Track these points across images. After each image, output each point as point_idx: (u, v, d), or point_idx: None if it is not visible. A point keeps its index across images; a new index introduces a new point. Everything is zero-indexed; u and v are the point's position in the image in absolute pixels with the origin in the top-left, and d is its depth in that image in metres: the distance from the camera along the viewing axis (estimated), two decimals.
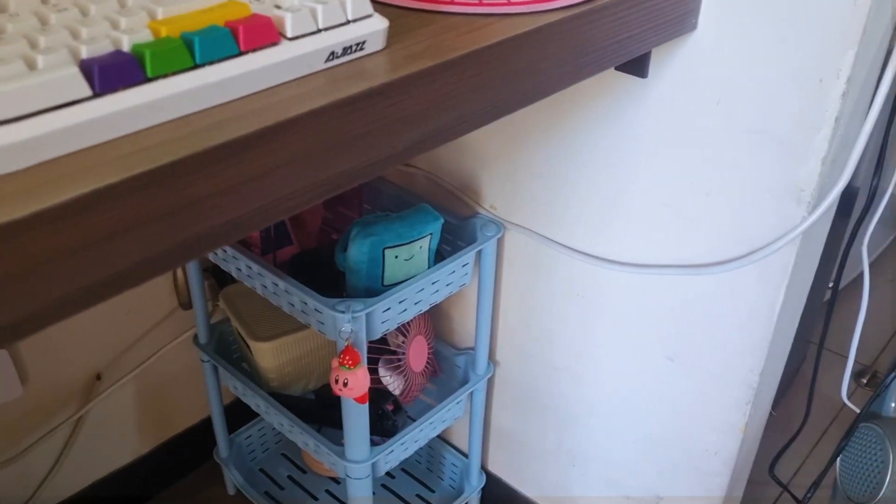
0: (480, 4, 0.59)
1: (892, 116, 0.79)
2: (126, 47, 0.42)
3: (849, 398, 1.01)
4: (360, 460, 0.96)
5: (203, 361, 1.16)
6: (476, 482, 1.22)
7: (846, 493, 0.86)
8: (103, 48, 0.41)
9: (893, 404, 0.85)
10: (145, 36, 0.42)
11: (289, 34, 0.46)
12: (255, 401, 1.09)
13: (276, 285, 0.92)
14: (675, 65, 0.77)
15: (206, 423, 1.31)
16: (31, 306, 0.36)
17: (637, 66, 0.79)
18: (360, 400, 0.88)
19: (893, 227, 1.97)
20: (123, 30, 0.43)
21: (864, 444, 0.84)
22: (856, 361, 1.68)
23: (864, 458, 0.83)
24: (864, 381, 1.56)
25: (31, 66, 0.39)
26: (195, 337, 1.15)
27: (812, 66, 0.68)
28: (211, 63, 0.43)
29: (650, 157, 0.83)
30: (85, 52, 0.40)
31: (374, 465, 0.98)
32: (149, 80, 0.41)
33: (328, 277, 0.97)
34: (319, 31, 0.48)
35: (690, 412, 0.93)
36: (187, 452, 1.33)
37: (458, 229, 1.02)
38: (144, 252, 0.40)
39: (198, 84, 0.42)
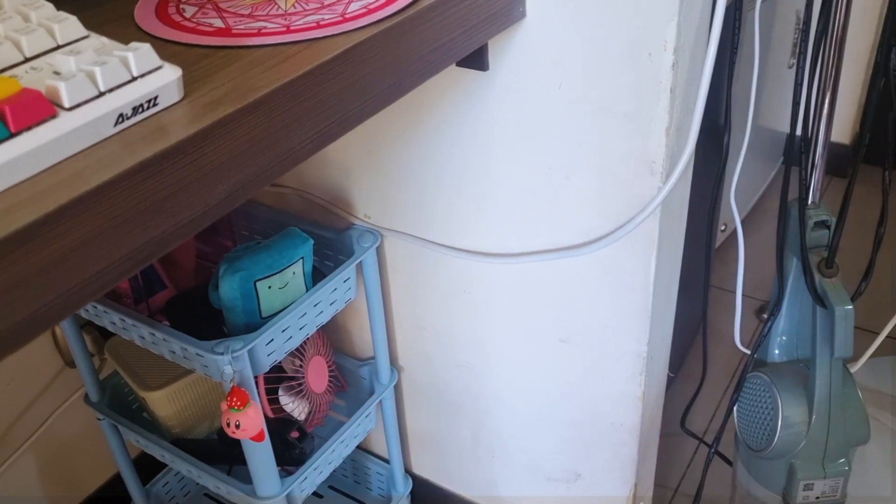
0: (288, 32, 0.57)
1: (731, 73, 0.80)
2: None
3: (749, 340, 1.04)
4: (271, 495, 0.94)
5: (99, 419, 1.11)
6: (402, 487, 1.22)
7: (746, 443, 0.88)
8: None
9: (777, 350, 0.88)
10: None
11: (66, 104, 0.43)
12: (158, 452, 1.05)
13: (153, 335, 0.88)
14: (512, 54, 0.76)
15: (117, 480, 1.26)
16: None
17: (476, 61, 0.78)
18: (256, 439, 0.85)
19: (772, 162, 2.03)
20: None
21: (754, 392, 0.86)
22: (755, 299, 1.73)
23: (756, 407, 0.85)
24: (766, 315, 1.61)
25: None
26: (86, 396, 1.10)
27: (639, 40, 0.69)
28: None
29: (506, 147, 0.82)
30: None
31: (289, 497, 0.96)
32: None
33: (208, 317, 0.93)
34: (102, 93, 0.45)
35: (590, 390, 0.93)
36: None
37: (337, 243, 1.00)
38: None
39: None
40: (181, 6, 0.62)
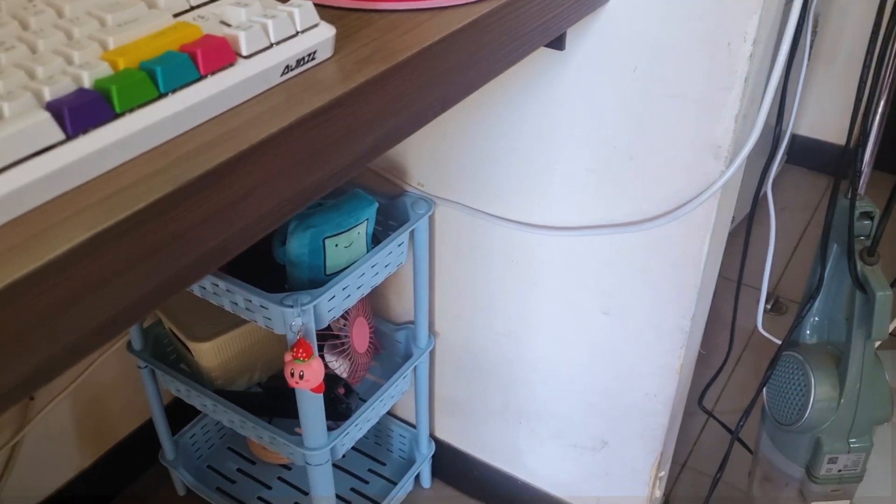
0: (414, 0, 0.60)
1: (788, 70, 0.84)
2: (87, 84, 0.41)
3: (762, 328, 1.10)
4: (318, 447, 0.98)
5: (140, 368, 1.14)
6: (426, 450, 1.26)
7: (775, 418, 0.93)
8: (65, 87, 0.40)
9: (808, 331, 0.93)
10: (104, 70, 0.42)
11: (244, 52, 0.46)
12: (200, 401, 1.08)
13: (217, 286, 0.91)
14: (591, 36, 0.80)
15: (147, 427, 1.29)
16: (24, 369, 0.36)
17: (555, 40, 0.81)
18: (316, 390, 0.89)
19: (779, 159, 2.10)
20: (79, 65, 0.42)
21: (786, 371, 0.91)
22: (759, 289, 1.80)
23: (789, 384, 0.91)
24: (769, 306, 1.68)
25: None
26: (129, 343, 1.13)
27: (720, 31, 0.73)
28: (174, 91, 0.43)
29: (573, 125, 0.86)
30: (48, 94, 0.40)
31: (332, 450, 1.00)
32: (118, 115, 0.41)
33: (264, 271, 0.96)
34: (272, 45, 0.48)
35: (629, 361, 0.98)
36: (131, 459, 1.31)
37: (388, 209, 1.03)
38: (134, 293, 0.40)
39: (166, 114, 0.42)
40: None
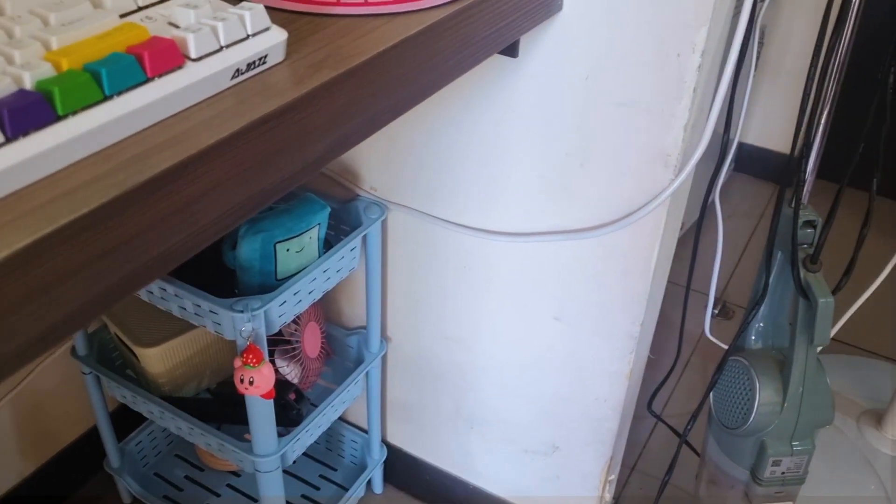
0: (367, 4, 0.60)
1: (735, 81, 0.86)
2: (29, 85, 0.40)
3: (709, 333, 1.12)
4: (269, 454, 0.96)
5: (84, 374, 1.11)
6: (378, 455, 1.25)
7: (721, 422, 0.95)
8: (5, 88, 0.39)
9: (753, 337, 0.95)
10: (47, 70, 0.41)
11: (193, 55, 0.46)
12: (147, 408, 1.06)
13: (165, 290, 0.89)
14: (544, 44, 0.80)
15: (92, 434, 1.26)
16: None
17: (509, 48, 0.82)
18: (266, 396, 0.88)
19: (728, 168, 2.14)
20: (20, 65, 0.41)
21: (732, 375, 0.93)
22: (707, 294, 1.83)
23: (734, 389, 0.92)
24: (716, 311, 1.71)
25: None
26: (73, 349, 1.10)
27: (670, 41, 0.74)
28: (120, 93, 0.42)
29: (526, 131, 0.87)
30: None
31: (282, 457, 0.98)
32: (60, 118, 0.40)
33: (214, 275, 0.95)
34: (222, 48, 0.47)
35: (579, 366, 0.99)
36: (75, 466, 1.28)
37: (341, 214, 1.03)
38: (78, 300, 0.39)
39: (111, 117, 0.41)
40: None
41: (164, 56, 0.44)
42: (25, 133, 0.38)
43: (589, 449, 1.06)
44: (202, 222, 0.44)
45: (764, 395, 0.90)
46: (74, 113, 0.40)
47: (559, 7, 0.77)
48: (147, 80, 0.43)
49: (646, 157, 0.81)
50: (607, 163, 0.84)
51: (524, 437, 1.11)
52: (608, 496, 1.11)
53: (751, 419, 0.90)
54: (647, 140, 0.80)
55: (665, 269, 0.95)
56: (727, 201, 2.11)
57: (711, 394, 0.97)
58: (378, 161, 1.00)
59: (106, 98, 0.41)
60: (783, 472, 0.92)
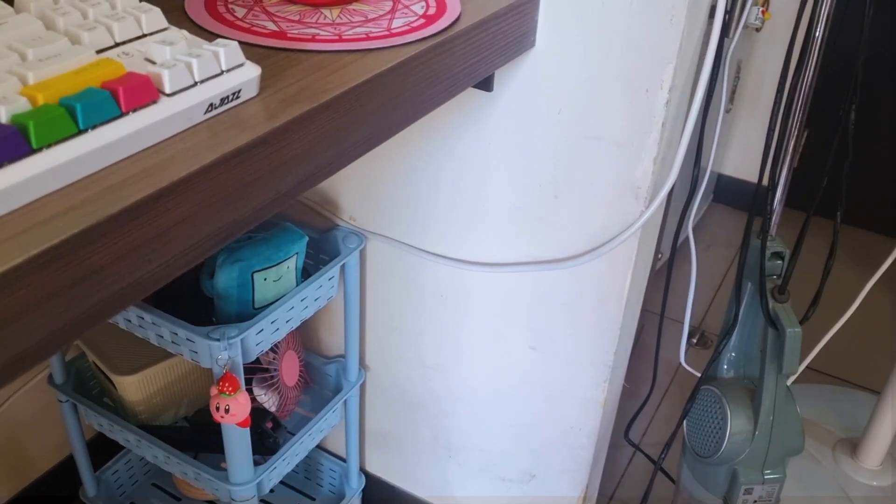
0: (340, 40, 0.61)
1: (704, 115, 0.88)
2: (4, 118, 0.41)
3: (684, 362, 1.13)
4: (244, 482, 0.96)
5: (61, 402, 1.11)
6: (356, 484, 1.25)
7: (694, 450, 0.96)
8: None
9: (725, 366, 0.97)
10: (22, 105, 0.42)
11: (167, 90, 0.47)
12: (123, 436, 1.06)
13: (142, 318, 0.90)
14: (518, 79, 0.82)
15: (68, 463, 1.25)
16: None
17: (483, 82, 0.84)
18: (242, 424, 0.88)
19: (705, 200, 2.18)
20: None
21: (705, 404, 0.94)
22: (677, 321, 1.85)
23: (707, 418, 0.94)
24: (694, 340, 1.73)
25: None
26: (50, 377, 1.10)
27: (638, 78, 0.76)
28: (94, 127, 0.43)
29: (501, 163, 0.89)
30: None
31: (258, 485, 0.98)
32: (34, 151, 0.41)
33: (191, 303, 0.96)
34: (196, 84, 0.49)
35: (555, 395, 1.00)
36: (50, 496, 1.27)
37: (320, 243, 1.04)
38: (49, 327, 0.40)
39: (84, 150, 0.42)
40: (230, 6, 0.66)
41: (138, 91, 0.45)
42: (0, 165, 0.39)
43: (565, 477, 1.06)
44: (174, 252, 0.45)
45: (735, 423, 0.91)
46: (49, 146, 0.41)
47: (532, 43, 0.79)
48: (121, 115, 0.44)
49: (617, 189, 0.83)
50: (580, 194, 0.85)
51: (501, 464, 1.11)
52: None
53: (723, 447, 0.91)
54: (618, 172, 0.82)
55: (638, 299, 0.96)
56: (706, 231, 2.14)
57: (685, 422, 0.98)
58: (357, 191, 1.01)
59: (80, 132, 0.43)
60: (755, 501, 0.93)
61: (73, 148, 0.42)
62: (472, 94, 0.86)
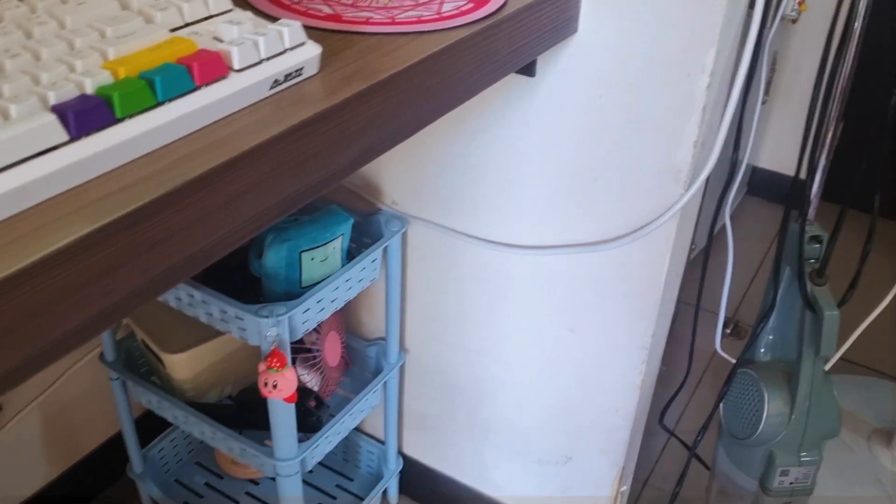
0: (393, 23, 0.64)
1: (746, 98, 0.89)
2: (90, 90, 0.44)
3: (720, 349, 1.14)
4: (289, 458, 0.99)
5: (112, 379, 1.15)
6: (394, 466, 1.28)
7: (730, 433, 0.97)
8: (69, 92, 0.43)
9: (762, 349, 0.98)
10: (105, 78, 0.45)
11: (236, 66, 0.49)
12: (172, 413, 1.09)
13: (192, 296, 0.93)
14: (560, 64, 0.84)
15: (116, 440, 1.30)
16: (14, 360, 0.38)
17: (526, 67, 0.85)
18: (289, 400, 0.91)
19: (738, 192, 2.17)
20: (81, 72, 0.45)
21: (742, 387, 0.96)
22: (717, 313, 1.86)
23: (743, 400, 0.95)
24: (728, 331, 1.73)
25: (5, 115, 0.41)
26: (101, 355, 1.14)
27: (680, 62, 0.78)
28: (171, 100, 0.46)
29: (541, 148, 0.90)
30: (53, 98, 0.42)
31: (302, 461, 1.01)
32: (118, 120, 0.43)
33: (240, 283, 0.99)
34: (262, 61, 0.51)
35: (592, 376, 1.02)
36: (98, 472, 1.31)
37: (363, 226, 1.06)
38: (127, 287, 0.42)
39: (162, 121, 0.45)
40: None
41: (210, 67, 0.48)
42: (87, 133, 0.42)
43: (601, 458, 1.08)
44: (241, 220, 0.48)
45: (772, 405, 0.92)
46: (131, 116, 0.44)
47: (574, 29, 0.81)
48: (195, 89, 0.47)
49: (657, 172, 0.84)
50: (619, 178, 0.87)
51: (537, 447, 1.13)
52: None
53: (759, 429, 0.92)
54: (657, 156, 0.83)
55: (675, 283, 0.97)
56: (740, 224, 2.14)
57: (721, 405, 1.00)
58: (399, 176, 1.03)
59: (159, 104, 0.45)
60: (791, 483, 0.94)
61: (153, 118, 0.45)
62: (514, 79, 0.88)
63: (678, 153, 0.82)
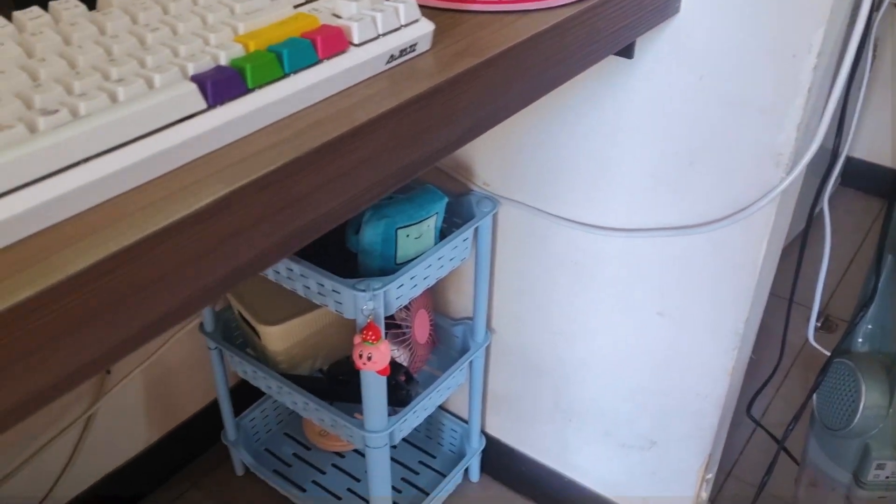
0: (502, 2, 0.65)
1: (850, 84, 0.87)
2: (224, 62, 0.46)
3: (813, 340, 1.12)
4: (378, 430, 1.02)
5: (210, 349, 1.20)
6: (476, 444, 1.30)
7: (824, 423, 0.95)
8: (206, 64, 0.46)
9: (860, 339, 0.95)
10: (238, 50, 0.47)
11: (355, 41, 0.52)
12: (266, 383, 1.14)
13: (291, 270, 0.97)
14: (660, 45, 0.84)
15: (211, 408, 1.35)
16: (170, 303, 0.41)
17: (625, 49, 0.85)
18: (382, 372, 0.94)
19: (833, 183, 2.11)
20: (215, 45, 0.47)
21: (837, 377, 0.94)
22: (807, 307, 1.81)
23: (839, 390, 0.93)
24: (819, 324, 1.69)
25: (150, 84, 0.43)
26: (201, 325, 1.19)
27: (786, 42, 0.76)
28: (296, 72, 0.48)
29: (637, 130, 0.90)
30: (192, 69, 0.45)
31: (391, 434, 1.04)
32: (249, 90, 0.46)
33: (336, 258, 1.02)
34: (379, 36, 0.53)
35: (681, 361, 1.01)
36: (195, 437, 1.37)
37: (455, 207, 1.08)
38: (260, 245, 0.45)
39: (289, 91, 0.47)
40: None
41: (332, 41, 0.50)
42: (223, 102, 0.45)
43: (687, 445, 1.07)
44: (360, 187, 0.50)
45: (870, 397, 0.90)
46: (261, 87, 0.46)
47: (676, 9, 0.81)
48: (318, 62, 0.49)
49: (757, 155, 0.83)
50: (718, 161, 0.86)
51: (621, 430, 1.13)
52: (705, 495, 1.12)
53: (855, 421, 0.91)
54: (759, 139, 0.82)
55: (771, 269, 0.96)
56: (833, 216, 2.07)
57: (815, 395, 0.98)
58: (491, 158, 1.05)
59: (285, 75, 0.48)
60: (887, 477, 0.92)
61: (280, 89, 0.47)
62: (611, 61, 0.88)
63: (780, 136, 0.81)
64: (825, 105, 0.79)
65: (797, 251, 1.00)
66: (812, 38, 0.75)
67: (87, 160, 0.39)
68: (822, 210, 1.00)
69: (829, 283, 1.83)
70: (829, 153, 0.93)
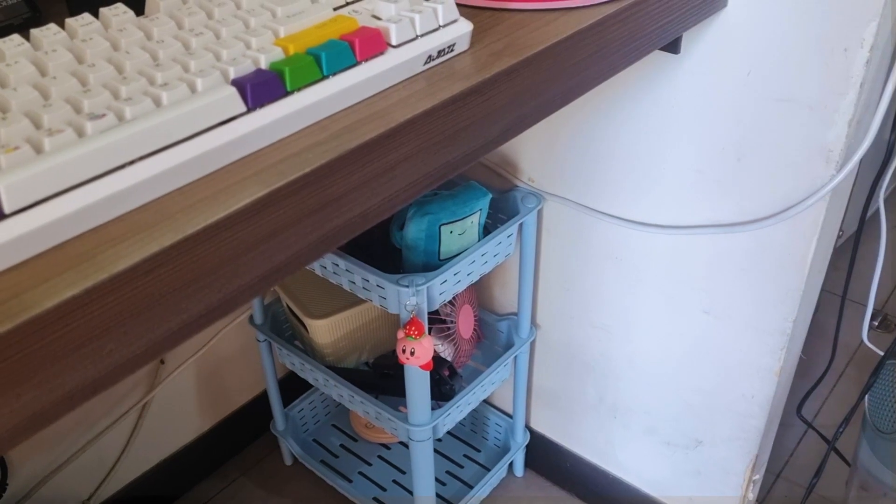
0: (542, 0, 0.65)
1: None
2: (264, 65, 0.48)
3: (867, 339, 1.09)
4: (422, 424, 1.03)
5: (259, 341, 1.22)
6: (521, 439, 1.30)
7: (875, 426, 0.93)
8: (246, 67, 0.47)
9: None
10: (277, 54, 0.48)
11: (393, 42, 0.52)
12: (313, 375, 1.16)
13: (337, 265, 0.98)
14: (707, 41, 0.83)
15: (260, 399, 1.38)
16: (208, 301, 0.42)
17: (671, 44, 0.84)
18: (425, 367, 0.95)
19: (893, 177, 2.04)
20: (256, 49, 0.49)
21: (891, 379, 0.91)
22: (865, 305, 1.76)
23: (892, 393, 0.91)
24: (875, 323, 1.64)
25: (192, 88, 0.45)
26: (251, 318, 1.22)
27: (837, 36, 0.75)
28: (335, 74, 0.49)
29: (683, 126, 0.89)
30: (233, 73, 0.46)
31: (434, 428, 1.05)
32: (288, 93, 0.47)
33: (381, 255, 1.03)
34: (417, 37, 0.54)
35: (727, 360, 1.00)
36: (244, 427, 1.40)
37: (499, 203, 1.08)
38: (296, 245, 0.46)
39: (327, 94, 0.48)
40: None
41: (371, 43, 0.51)
42: (262, 105, 0.46)
43: (733, 445, 1.06)
44: (397, 187, 0.51)
45: None
46: (299, 89, 0.47)
47: (724, 4, 0.79)
48: (356, 64, 0.50)
49: (806, 152, 0.82)
50: (765, 158, 0.85)
51: (667, 429, 1.12)
52: (752, 496, 1.11)
53: None
54: (808, 135, 0.81)
55: (821, 268, 0.94)
56: (889, 213, 2.01)
57: (867, 397, 0.96)
58: (536, 154, 1.05)
59: (324, 77, 0.49)
60: None
61: (319, 91, 0.48)
62: (657, 57, 0.87)
63: (831, 132, 0.79)
64: (879, 100, 0.77)
65: (852, 248, 0.97)
66: (864, 31, 0.73)
67: (131, 163, 0.40)
68: (878, 207, 0.97)
69: (885, 281, 1.78)
70: (885, 148, 0.90)
